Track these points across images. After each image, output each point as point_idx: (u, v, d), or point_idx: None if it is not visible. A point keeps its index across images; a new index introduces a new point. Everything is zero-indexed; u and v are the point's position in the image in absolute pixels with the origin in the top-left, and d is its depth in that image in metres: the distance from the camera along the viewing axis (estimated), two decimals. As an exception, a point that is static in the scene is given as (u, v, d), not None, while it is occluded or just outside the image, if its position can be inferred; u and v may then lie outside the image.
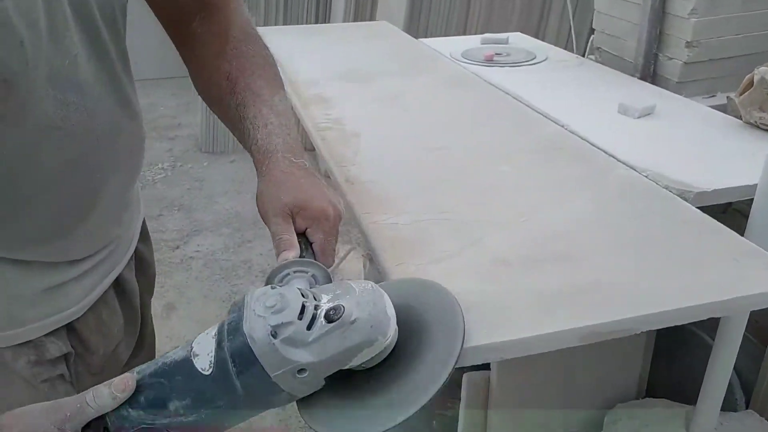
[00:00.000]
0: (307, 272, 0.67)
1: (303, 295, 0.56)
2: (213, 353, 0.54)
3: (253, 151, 0.76)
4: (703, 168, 1.18)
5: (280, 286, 0.58)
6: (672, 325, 0.81)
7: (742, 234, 0.97)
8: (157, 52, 4.34)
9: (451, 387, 0.93)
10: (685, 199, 1.08)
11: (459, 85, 1.68)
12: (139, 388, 0.54)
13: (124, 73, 0.75)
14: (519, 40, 2.18)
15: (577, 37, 2.17)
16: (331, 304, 0.55)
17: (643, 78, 1.71)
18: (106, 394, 0.53)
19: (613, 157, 1.23)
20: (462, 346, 0.59)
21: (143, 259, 0.99)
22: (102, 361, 0.85)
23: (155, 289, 1.09)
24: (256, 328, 0.53)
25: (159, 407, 0.54)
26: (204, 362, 0.54)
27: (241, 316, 0.55)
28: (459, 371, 0.99)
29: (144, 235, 0.99)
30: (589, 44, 2.04)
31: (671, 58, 1.65)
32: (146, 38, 4.35)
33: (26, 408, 0.54)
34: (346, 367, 0.56)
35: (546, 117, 1.45)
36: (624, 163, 1.20)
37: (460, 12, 3.13)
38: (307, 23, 3.72)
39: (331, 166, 1.21)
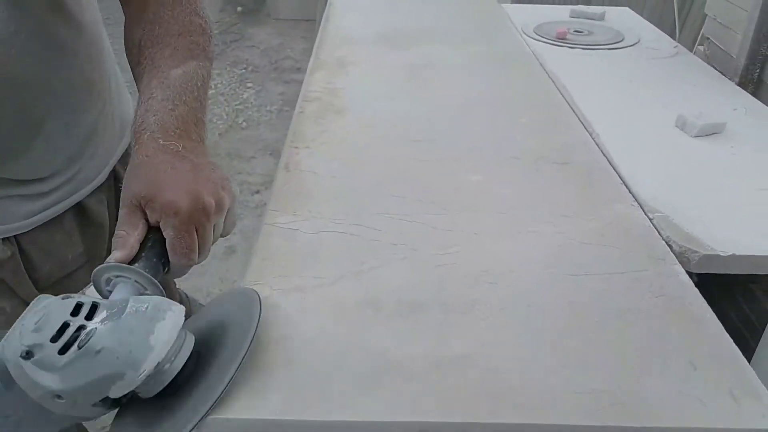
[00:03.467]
0: (130, 278, 0.58)
1: (74, 313, 0.51)
2: None
3: (132, 131, 0.68)
4: (739, 220, 0.88)
5: (107, 292, 0.58)
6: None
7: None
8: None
9: None
10: (686, 261, 0.80)
11: (505, 65, 1.43)
12: None
13: None
14: (620, 16, 1.83)
15: (702, 22, 1.76)
16: (95, 326, 0.50)
17: (742, 84, 1.34)
18: None
19: (626, 185, 0.95)
20: (251, 342, 0.58)
21: None
22: (49, 281, 0.88)
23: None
24: (10, 347, 0.50)
25: None
26: None
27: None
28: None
29: None
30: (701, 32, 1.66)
31: (783, 63, 1.27)
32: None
33: None
34: (113, 396, 0.51)
35: (581, 119, 1.17)
36: (634, 196, 0.92)
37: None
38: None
39: (284, 146, 1.06)
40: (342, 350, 0.64)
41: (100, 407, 0.53)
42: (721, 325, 0.68)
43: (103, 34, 0.89)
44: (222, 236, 0.67)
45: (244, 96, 4.15)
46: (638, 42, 1.60)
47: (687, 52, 1.55)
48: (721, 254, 0.80)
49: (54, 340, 0.49)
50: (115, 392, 0.51)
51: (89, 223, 0.92)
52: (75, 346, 0.49)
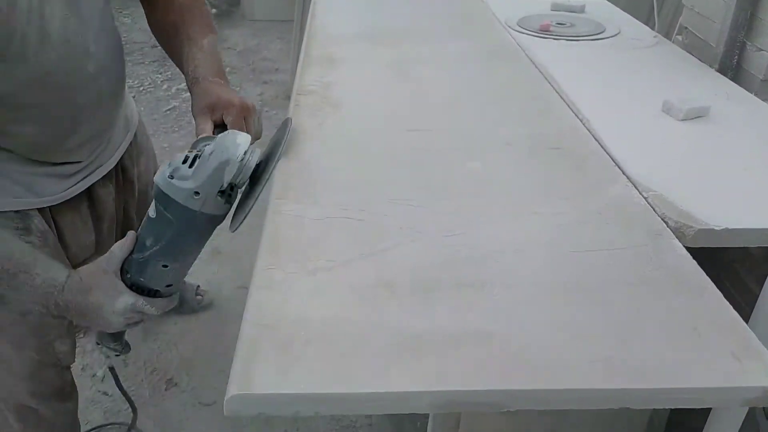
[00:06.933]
0: (211, 141, 0.83)
1: (190, 151, 0.80)
2: (152, 204, 0.81)
3: (187, 80, 1.00)
4: (728, 198, 0.91)
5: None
6: (571, 407, 0.62)
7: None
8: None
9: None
10: (682, 236, 0.83)
11: (492, 58, 1.45)
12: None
13: None
14: (599, 8, 1.87)
15: (676, 11, 1.81)
16: (203, 149, 0.80)
17: (722, 71, 1.38)
18: (118, 247, 0.86)
19: (619, 167, 0.98)
20: (282, 145, 0.94)
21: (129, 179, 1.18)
22: (74, 262, 1.05)
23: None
24: (160, 176, 0.79)
25: (142, 246, 0.84)
26: (151, 211, 0.82)
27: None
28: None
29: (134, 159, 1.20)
30: (679, 22, 1.70)
31: (760, 50, 1.32)
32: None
33: (85, 266, 0.89)
34: (227, 183, 0.79)
35: (570, 107, 1.20)
36: (628, 177, 0.96)
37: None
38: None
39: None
40: (361, 328, 0.66)
41: (221, 201, 0.80)
42: (720, 293, 0.71)
43: None
44: (256, 138, 0.95)
45: (223, 97, 4.12)
46: (619, 33, 1.64)
47: (666, 41, 1.59)
48: (716, 228, 0.83)
49: (183, 163, 0.78)
50: (227, 176, 0.78)
51: (99, 215, 1.11)
52: (197, 162, 0.78)
